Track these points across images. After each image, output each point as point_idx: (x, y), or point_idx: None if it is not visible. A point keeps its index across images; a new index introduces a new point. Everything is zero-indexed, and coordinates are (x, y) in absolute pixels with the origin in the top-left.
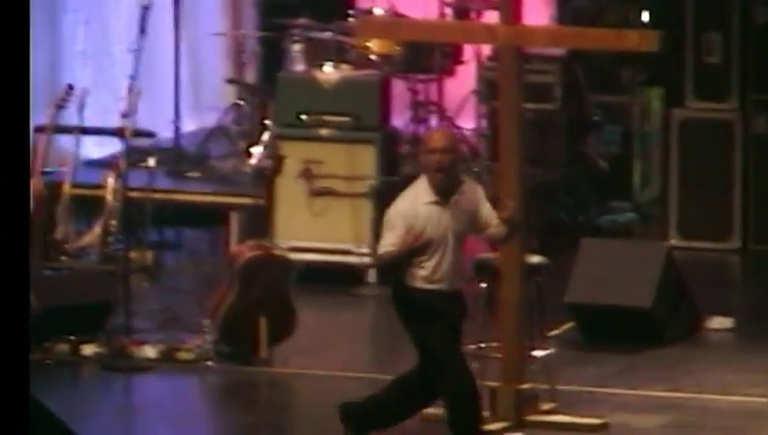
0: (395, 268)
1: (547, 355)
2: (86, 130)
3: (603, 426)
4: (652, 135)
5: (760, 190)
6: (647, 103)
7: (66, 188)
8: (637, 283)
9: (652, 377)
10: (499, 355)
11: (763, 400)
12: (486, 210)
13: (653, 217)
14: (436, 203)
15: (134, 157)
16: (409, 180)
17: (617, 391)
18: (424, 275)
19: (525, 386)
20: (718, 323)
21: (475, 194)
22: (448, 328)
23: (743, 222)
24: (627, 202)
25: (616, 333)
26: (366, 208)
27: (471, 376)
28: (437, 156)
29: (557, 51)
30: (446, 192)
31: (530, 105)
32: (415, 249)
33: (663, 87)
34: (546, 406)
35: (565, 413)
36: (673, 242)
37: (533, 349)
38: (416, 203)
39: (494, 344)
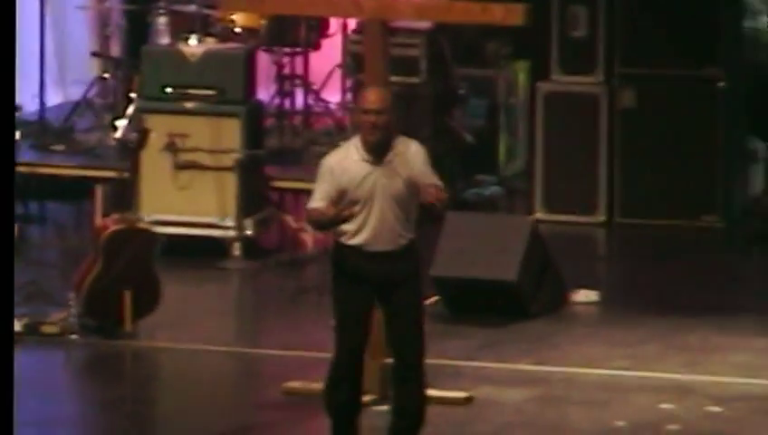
0: (322, 228)
1: None
2: None
3: (469, 399)
4: (518, 109)
5: (625, 164)
6: (512, 77)
7: None
8: (502, 256)
9: (518, 350)
10: None
11: (628, 373)
12: (423, 174)
13: (518, 191)
14: (366, 161)
15: None
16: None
17: (482, 364)
18: (349, 231)
19: (387, 361)
20: (583, 296)
21: (415, 156)
22: (361, 295)
23: (608, 195)
24: (492, 176)
25: (481, 306)
26: (231, 182)
27: (356, 359)
28: (372, 117)
29: (422, 24)
30: (377, 152)
31: (395, 78)
32: (341, 218)
33: (529, 60)
34: None
35: (431, 387)
36: (538, 215)
37: None
38: (346, 159)
39: None
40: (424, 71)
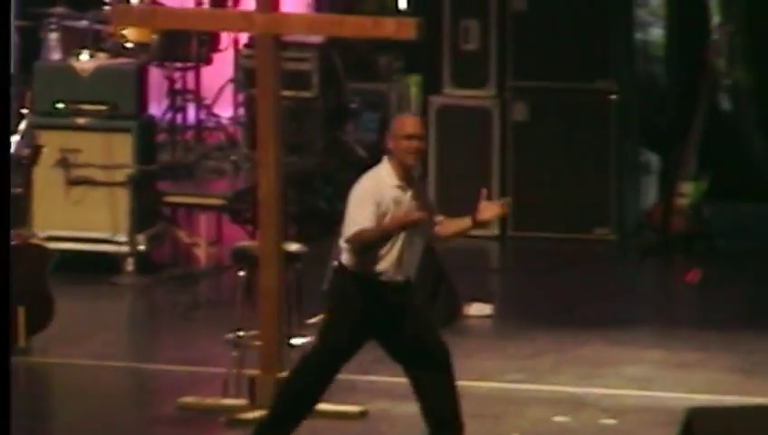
0: (369, 249)
1: (306, 343)
2: None
3: (363, 413)
4: None
5: (518, 177)
6: (404, 91)
7: None
8: None
9: None
10: (258, 343)
11: (522, 386)
12: (430, 201)
13: None
14: (398, 187)
15: None
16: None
17: (377, 378)
18: (373, 260)
19: (284, 374)
20: (477, 309)
21: (424, 182)
22: (367, 329)
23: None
24: None
25: None
26: (123, 197)
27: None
28: (415, 142)
29: (314, 38)
30: (409, 177)
31: (287, 93)
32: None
33: (421, 74)
34: None
35: (325, 401)
36: None
37: (293, 337)
38: (381, 184)
39: (254, 332)
40: (316, 85)
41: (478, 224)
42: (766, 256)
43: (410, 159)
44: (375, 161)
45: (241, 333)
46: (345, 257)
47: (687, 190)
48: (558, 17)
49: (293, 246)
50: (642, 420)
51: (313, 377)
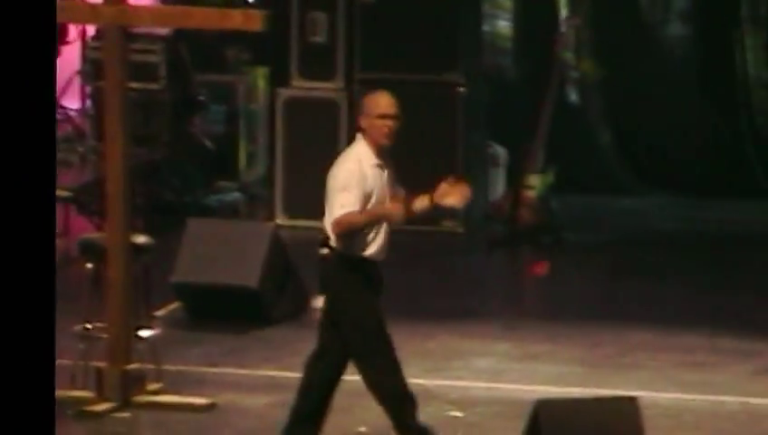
0: (354, 232)
1: (154, 335)
2: None
3: (211, 405)
4: (258, 114)
5: None
6: (252, 83)
7: None
8: (243, 262)
9: (260, 356)
10: (105, 335)
11: None
12: (391, 181)
13: (259, 197)
14: (378, 166)
15: None
16: None
17: (224, 370)
18: (364, 243)
19: (132, 366)
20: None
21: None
22: (378, 307)
23: None
24: (233, 182)
25: (223, 312)
26: None
27: (398, 365)
28: (389, 121)
29: (162, 30)
30: (384, 157)
31: (135, 85)
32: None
33: (268, 66)
34: (153, 386)
35: (173, 393)
36: (279, 221)
37: (140, 329)
38: (362, 165)
39: (101, 324)
40: (163, 77)
41: (436, 207)
42: (613, 248)
43: (384, 138)
44: (222, 153)
45: (89, 325)
46: (335, 242)
47: (535, 183)
48: (406, 10)
49: (141, 238)
50: (490, 412)
51: (384, 366)
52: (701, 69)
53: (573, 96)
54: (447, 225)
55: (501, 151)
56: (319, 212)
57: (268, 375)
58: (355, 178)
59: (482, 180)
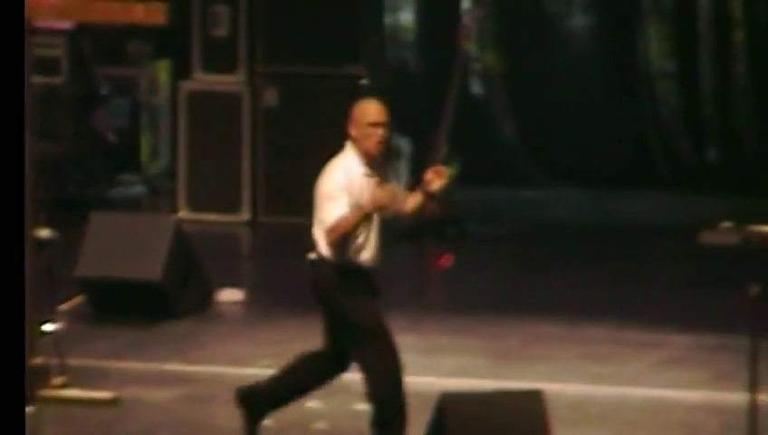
0: (346, 238)
1: (57, 330)
2: None
3: (115, 400)
4: (160, 108)
5: (269, 162)
6: (154, 76)
7: None
8: (146, 256)
9: (164, 350)
10: None
11: (274, 371)
12: (395, 185)
13: (162, 190)
14: (366, 175)
15: None
16: None
17: (128, 364)
18: (355, 249)
19: (36, 361)
20: (228, 295)
21: (385, 169)
22: (377, 309)
23: (252, 194)
24: (136, 175)
25: (127, 306)
26: None
27: (399, 362)
28: (380, 130)
29: (64, 24)
30: (374, 165)
31: (37, 79)
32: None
33: (170, 60)
34: (57, 381)
35: (77, 388)
36: (182, 214)
37: (44, 323)
38: (350, 174)
39: None
40: (65, 71)
41: (427, 195)
42: (517, 240)
43: (375, 147)
44: (125, 147)
45: None
46: (325, 251)
47: None
48: (308, 3)
49: (44, 233)
50: None
51: (387, 365)
52: (604, 60)
53: (477, 88)
54: None
55: (404, 143)
56: (222, 206)
57: (172, 369)
58: (341, 187)
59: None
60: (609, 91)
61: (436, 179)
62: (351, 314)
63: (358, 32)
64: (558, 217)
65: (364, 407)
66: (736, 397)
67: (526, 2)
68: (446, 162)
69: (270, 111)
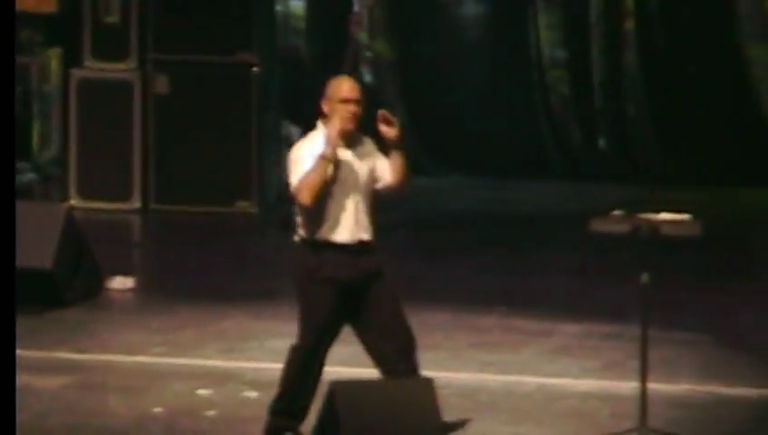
0: (316, 195)
1: None
2: None
3: None
4: (51, 95)
5: (160, 150)
6: (45, 63)
7: None
8: (37, 244)
9: (55, 338)
10: None
11: (165, 359)
12: (381, 161)
13: (53, 178)
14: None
15: None
16: None
17: (19, 352)
18: (323, 225)
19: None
20: (120, 283)
21: (369, 145)
22: (332, 299)
23: (143, 182)
24: (26, 162)
25: (18, 294)
26: None
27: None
28: (352, 106)
29: None
30: (348, 142)
31: None
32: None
33: (61, 47)
34: None
35: None
36: (73, 202)
37: None
38: (317, 147)
39: None
40: None
41: (398, 145)
42: (409, 229)
43: (347, 123)
44: (16, 134)
45: None
46: (301, 229)
47: None
48: None
49: None
50: None
51: (303, 366)
52: (495, 49)
53: (368, 76)
54: (241, 205)
55: (295, 132)
56: (113, 193)
57: (63, 357)
58: (306, 153)
59: (275, 161)
60: (500, 80)
61: (389, 126)
62: (302, 301)
63: (249, 19)
64: (449, 206)
65: (254, 394)
66: (627, 385)
67: None
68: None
69: (161, 98)
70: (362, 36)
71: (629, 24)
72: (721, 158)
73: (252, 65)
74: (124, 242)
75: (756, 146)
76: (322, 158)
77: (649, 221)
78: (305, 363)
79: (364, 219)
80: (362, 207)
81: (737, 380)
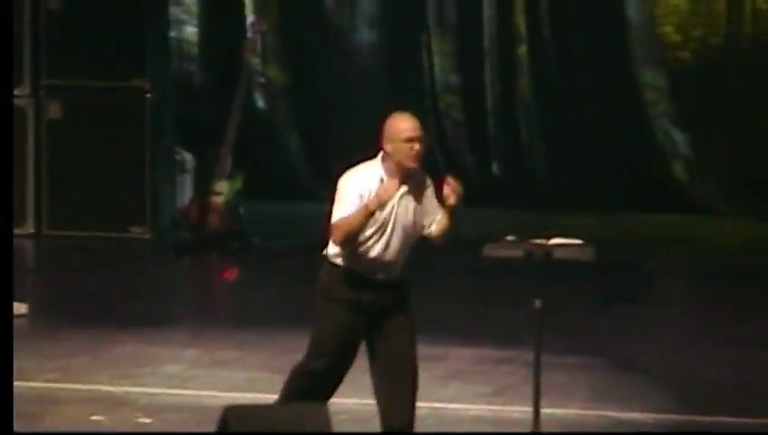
0: (352, 237)
1: None
2: None
3: None
4: None
5: (53, 176)
6: None
7: None
8: None
9: None
10: None
11: (58, 385)
12: (432, 207)
13: None
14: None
15: None
16: None
17: None
18: (355, 255)
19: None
20: (13, 309)
21: (429, 188)
22: (354, 322)
23: (36, 208)
24: None
25: None
26: None
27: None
28: (416, 145)
29: None
30: (411, 177)
31: None
32: (371, 215)
33: None
34: None
35: None
36: None
37: None
38: (371, 180)
39: None
40: None
41: (450, 210)
42: (302, 254)
43: (412, 161)
44: None
45: None
46: (331, 250)
47: (223, 189)
48: (93, 16)
49: None
50: (180, 418)
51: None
52: (389, 74)
53: (261, 102)
54: (135, 231)
55: (188, 157)
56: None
57: None
58: (354, 188)
59: (169, 186)
60: (393, 106)
61: (453, 193)
62: (317, 320)
63: (142, 45)
64: None
65: (148, 420)
66: (519, 410)
67: (310, 16)
68: (230, 176)
69: (54, 124)
70: (256, 62)
71: (522, 50)
72: (613, 183)
73: (145, 91)
74: (17, 267)
75: (648, 171)
76: (369, 209)
77: (542, 246)
78: (305, 384)
79: (399, 259)
80: (399, 247)
81: (629, 403)
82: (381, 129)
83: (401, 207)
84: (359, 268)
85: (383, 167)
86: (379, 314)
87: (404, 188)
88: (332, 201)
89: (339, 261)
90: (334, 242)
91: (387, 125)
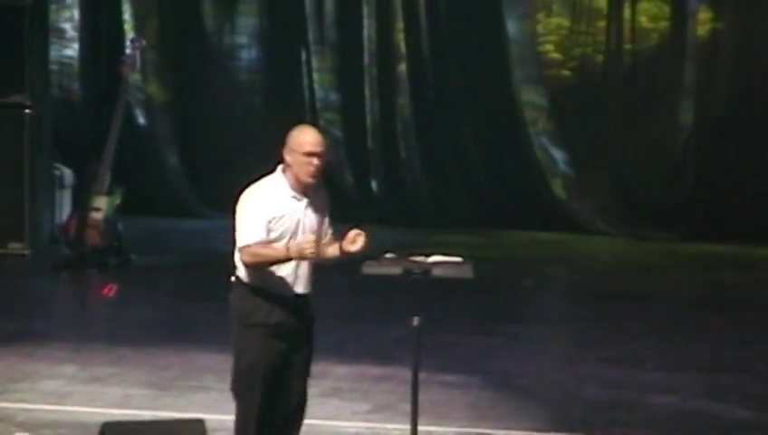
0: (261, 265)
1: None
2: None
3: None
4: None
5: None
6: None
7: None
8: None
9: None
10: None
11: None
12: (327, 221)
13: None
14: (294, 198)
15: None
16: None
17: None
18: (263, 272)
19: None
20: None
21: (326, 199)
22: (277, 345)
23: None
24: None
25: None
26: None
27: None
28: (315, 160)
29: None
30: (305, 190)
31: None
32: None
33: None
34: None
35: None
36: None
37: None
38: (272, 193)
39: None
40: None
41: (344, 253)
42: (180, 270)
43: (310, 177)
44: None
45: None
46: (242, 273)
47: (102, 204)
48: None
49: None
50: (57, 434)
51: (244, 413)
52: (270, 91)
53: (141, 118)
54: (14, 246)
55: (67, 173)
56: None
57: None
58: (260, 209)
59: (48, 202)
60: (273, 123)
61: (357, 243)
62: (237, 346)
63: (22, 61)
64: (221, 248)
65: None
66: (398, 428)
67: (191, 33)
68: (109, 192)
69: None
70: (135, 78)
71: (402, 68)
72: (493, 200)
73: (24, 107)
74: None
75: (527, 189)
76: (289, 257)
77: (421, 264)
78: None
79: (305, 273)
80: (305, 262)
81: (506, 421)
82: (284, 140)
83: (308, 217)
84: (273, 285)
85: (285, 177)
86: (295, 341)
87: (306, 199)
88: (227, 217)
89: (252, 281)
90: (245, 264)
91: (290, 135)
